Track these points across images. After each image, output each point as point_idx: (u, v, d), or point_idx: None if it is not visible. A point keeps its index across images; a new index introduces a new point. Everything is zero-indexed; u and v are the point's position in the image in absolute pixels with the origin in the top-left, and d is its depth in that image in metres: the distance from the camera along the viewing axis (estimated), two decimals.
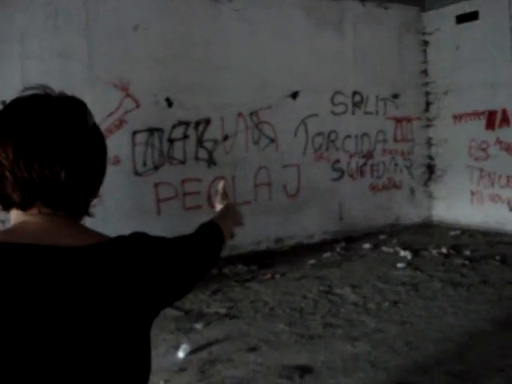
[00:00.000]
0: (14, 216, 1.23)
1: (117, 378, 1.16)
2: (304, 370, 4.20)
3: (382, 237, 8.87)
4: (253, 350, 4.62)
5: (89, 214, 1.28)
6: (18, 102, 1.21)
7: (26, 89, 1.22)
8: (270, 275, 6.84)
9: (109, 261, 1.19)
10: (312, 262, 7.46)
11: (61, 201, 1.20)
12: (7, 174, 1.14)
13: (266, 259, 7.65)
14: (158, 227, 6.13)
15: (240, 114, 7.97)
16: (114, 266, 1.18)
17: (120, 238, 1.27)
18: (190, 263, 1.43)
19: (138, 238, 1.30)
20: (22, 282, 1.09)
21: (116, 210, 6.93)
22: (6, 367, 1.05)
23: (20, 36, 6.59)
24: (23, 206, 1.19)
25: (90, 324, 1.12)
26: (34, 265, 1.11)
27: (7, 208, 1.22)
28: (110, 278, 1.17)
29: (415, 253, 7.65)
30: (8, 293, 1.07)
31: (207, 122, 7.71)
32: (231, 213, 1.93)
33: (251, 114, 8.06)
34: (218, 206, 2.00)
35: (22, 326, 1.06)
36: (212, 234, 1.64)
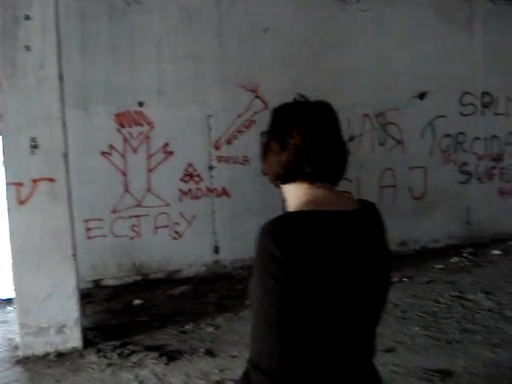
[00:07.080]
0: (296, 189, 1.56)
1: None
2: (445, 374, 4.11)
3: None
4: (389, 351, 4.57)
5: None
6: (299, 104, 1.61)
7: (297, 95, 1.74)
8: (397, 278, 6.74)
9: (373, 220, 1.60)
10: (439, 266, 7.28)
11: (338, 176, 1.59)
12: (304, 153, 1.50)
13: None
14: None
15: (366, 115, 7.91)
16: (376, 225, 1.60)
17: (368, 204, 1.63)
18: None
19: (375, 207, 1.65)
20: (347, 238, 1.47)
21: (244, 208, 7.15)
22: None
23: (156, 41, 6.91)
24: (312, 179, 1.53)
25: (373, 264, 1.52)
26: (346, 224, 1.48)
27: (292, 180, 1.55)
28: (375, 232, 1.58)
29: None
30: (347, 245, 1.45)
31: None
32: None
33: (377, 115, 7.98)
34: None
35: (353, 269, 1.46)
36: None
